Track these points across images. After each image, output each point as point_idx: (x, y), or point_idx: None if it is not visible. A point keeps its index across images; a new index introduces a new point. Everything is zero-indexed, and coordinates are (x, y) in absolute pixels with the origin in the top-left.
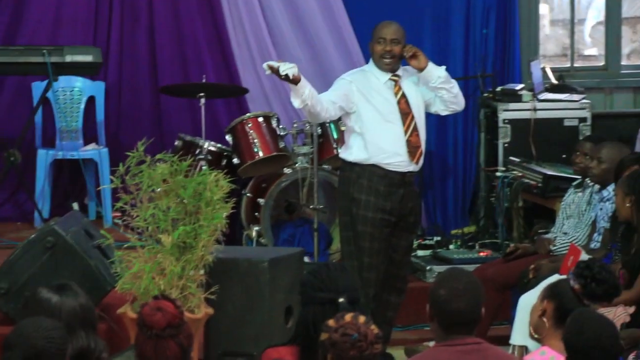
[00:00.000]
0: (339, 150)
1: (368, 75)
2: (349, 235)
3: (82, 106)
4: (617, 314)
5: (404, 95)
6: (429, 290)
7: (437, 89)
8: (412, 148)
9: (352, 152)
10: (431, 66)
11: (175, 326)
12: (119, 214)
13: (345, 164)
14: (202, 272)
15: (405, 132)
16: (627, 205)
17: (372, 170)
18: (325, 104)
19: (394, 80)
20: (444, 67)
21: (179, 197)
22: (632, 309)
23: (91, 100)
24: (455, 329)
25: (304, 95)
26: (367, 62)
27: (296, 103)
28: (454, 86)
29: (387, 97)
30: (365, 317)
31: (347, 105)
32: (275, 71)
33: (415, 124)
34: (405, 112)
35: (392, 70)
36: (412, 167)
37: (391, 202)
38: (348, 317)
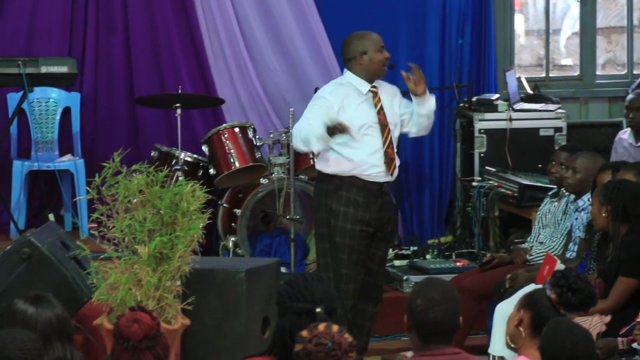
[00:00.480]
0: (315, 161)
1: (347, 88)
2: (326, 247)
3: (58, 117)
4: (593, 323)
5: (382, 107)
6: (406, 301)
7: (421, 116)
8: (388, 159)
9: (330, 163)
10: (427, 94)
11: (152, 337)
12: (95, 225)
13: (323, 176)
14: (178, 282)
15: (384, 143)
16: (603, 215)
17: (351, 182)
18: None
19: (374, 92)
20: (434, 97)
21: (155, 207)
22: (608, 318)
23: (67, 111)
24: (433, 338)
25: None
26: (342, 71)
27: (319, 148)
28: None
29: (367, 109)
30: (339, 326)
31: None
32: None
33: (391, 137)
34: (384, 123)
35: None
36: (389, 178)
37: (370, 213)
38: (321, 326)
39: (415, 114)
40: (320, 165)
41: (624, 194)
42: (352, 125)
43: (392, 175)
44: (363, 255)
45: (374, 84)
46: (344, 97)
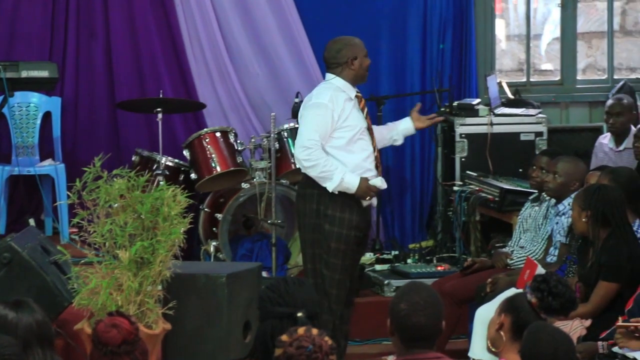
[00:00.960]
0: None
1: (340, 92)
2: (315, 253)
3: (39, 122)
4: (574, 327)
5: (367, 113)
6: (389, 305)
7: (392, 140)
8: (378, 163)
9: None
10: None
11: (131, 342)
12: (75, 229)
13: (313, 181)
14: (159, 287)
15: (374, 147)
16: (583, 220)
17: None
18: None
19: (359, 97)
20: None
21: (136, 212)
22: (588, 322)
23: (47, 116)
24: (416, 343)
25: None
26: (323, 76)
27: (334, 190)
28: None
29: (357, 114)
30: (319, 329)
31: (326, 136)
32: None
33: (375, 141)
34: (370, 128)
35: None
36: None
37: (363, 218)
38: (301, 330)
39: (387, 138)
40: None
41: (603, 199)
42: (350, 131)
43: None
44: (353, 260)
45: (357, 90)
46: (340, 102)
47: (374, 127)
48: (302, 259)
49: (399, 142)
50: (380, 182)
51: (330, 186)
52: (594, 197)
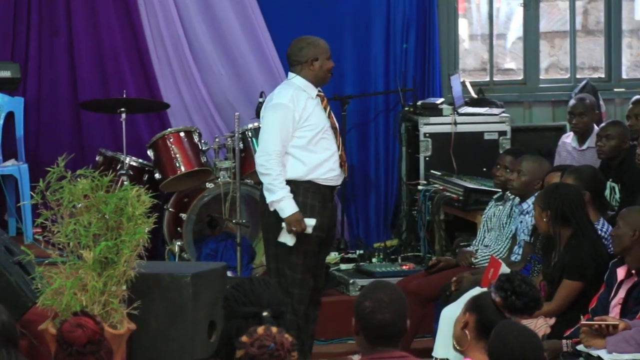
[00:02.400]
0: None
1: (301, 91)
2: (278, 252)
3: (1, 122)
4: (538, 326)
5: (330, 111)
6: (354, 303)
7: None
8: (342, 162)
9: (286, 169)
10: None
11: (96, 342)
12: (39, 230)
13: None
14: (124, 287)
15: (338, 146)
16: (544, 220)
17: (307, 187)
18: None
19: (321, 96)
20: None
21: (100, 212)
22: (552, 321)
23: (10, 116)
24: (380, 341)
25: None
26: (287, 75)
27: (270, 200)
28: None
29: (320, 113)
30: (279, 328)
31: (288, 139)
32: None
33: (340, 139)
34: (334, 126)
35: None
36: (340, 181)
37: (322, 218)
38: (260, 329)
39: None
40: None
41: (562, 197)
42: (312, 130)
43: (345, 175)
44: (315, 260)
45: (319, 89)
46: (301, 102)
47: None
48: (265, 258)
49: None
50: (312, 223)
51: (269, 199)
52: (553, 196)
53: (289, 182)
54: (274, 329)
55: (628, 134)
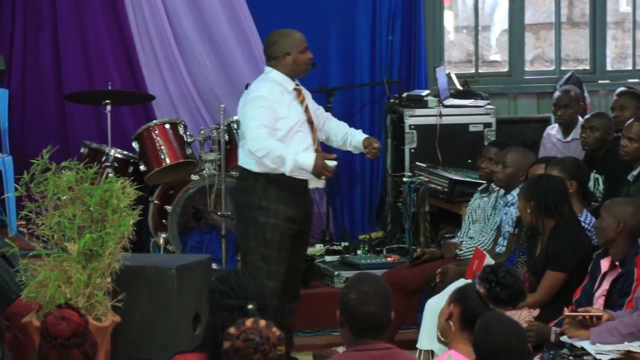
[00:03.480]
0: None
1: (277, 85)
2: (251, 245)
3: None
4: (522, 317)
5: (307, 106)
6: (339, 295)
7: (347, 147)
8: None
9: (259, 162)
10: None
11: (80, 335)
12: (24, 222)
13: (249, 174)
14: (109, 279)
15: (314, 141)
16: (528, 211)
17: (281, 180)
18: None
19: (298, 90)
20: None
21: (85, 204)
22: (536, 312)
23: None
24: (365, 333)
25: None
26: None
27: (290, 173)
28: None
29: (296, 107)
30: (267, 321)
31: (272, 125)
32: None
33: (317, 135)
34: (311, 121)
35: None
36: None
37: (297, 211)
38: (248, 322)
39: (344, 143)
40: (247, 164)
41: (545, 189)
42: (287, 123)
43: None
44: (289, 252)
45: (297, 82)
46: (278, 95)
47: (335, 120)
48: (240, 251)
49: (347, 149)
50: (333, 164)
51: (286, 170)
52: (536, 188)
53: (261, 175)
54: (263, 322)
55: (612, 126)
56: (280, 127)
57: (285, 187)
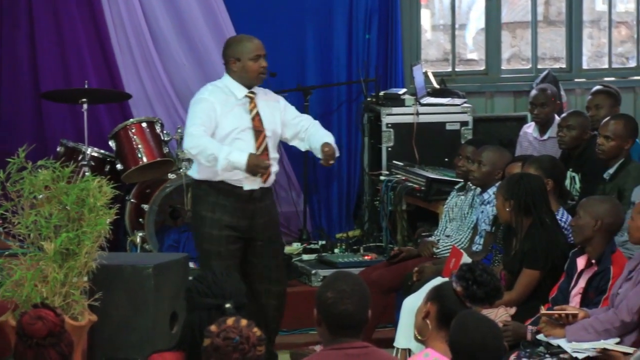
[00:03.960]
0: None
1: (225, 91)
2: (199, 257)
3: None
4: (499, 315)
5: (258, 113)
6: (316, 294)
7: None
8: None
9: (200, 169)
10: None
11: (56, 334)
12: None
13: (195, 182)
14: (85, 278)
15: (257, 149)
16: (507, 209)
17: (220, 187)
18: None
19: (250, 97)
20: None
21: (61, 203)
22: (512, 310)
23: None
24: (342, 332)
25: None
26: None
27: (223, 171)
28: None
29: (241, 114)
30: (248, 320)
31: (211, 126)
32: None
33: (267, 143)
34: (259, 129)
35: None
36: (255, 186)
37: (237, 219)
38: (230, 321)
39: (314, 148)
40: (191, 172)
41: (525, 188)
42: (224, 128)
43: (264, 182)
44: (235, 260)
45: (252, 90)
46: (222, 100)
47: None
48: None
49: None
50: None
51: (219, 168)
52: (517, 187)
53: (203, 182)
54: (244, 322)
55: (589, 125)
56: (218, 133)
57: (224, 195)
